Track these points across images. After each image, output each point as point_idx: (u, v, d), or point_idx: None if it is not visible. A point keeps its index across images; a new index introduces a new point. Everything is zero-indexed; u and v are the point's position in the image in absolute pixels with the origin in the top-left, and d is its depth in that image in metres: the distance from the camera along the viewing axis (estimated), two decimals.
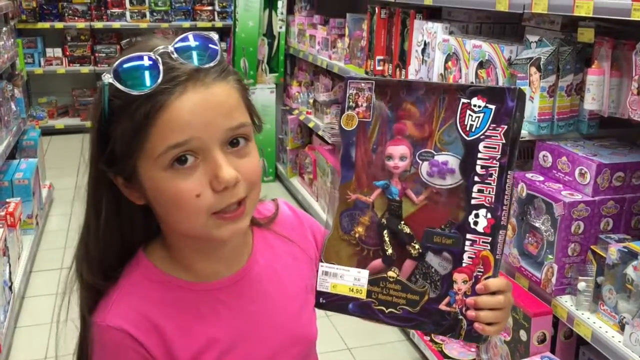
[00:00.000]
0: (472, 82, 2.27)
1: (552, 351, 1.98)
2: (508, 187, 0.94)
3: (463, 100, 0.94)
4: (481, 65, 2.21)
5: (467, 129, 0.94)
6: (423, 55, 2.71)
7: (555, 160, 1.95)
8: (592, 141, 2.02)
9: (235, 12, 4.86)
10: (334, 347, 2.87)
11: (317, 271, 1.02)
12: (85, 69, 6.66)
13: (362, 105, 1.00)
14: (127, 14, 6.73)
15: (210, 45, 0.88)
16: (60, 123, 6.62)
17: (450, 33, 2.52)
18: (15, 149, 4.27)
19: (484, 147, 0.93)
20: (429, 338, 2.63)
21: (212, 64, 0.86)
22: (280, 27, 4.86)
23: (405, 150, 0.98)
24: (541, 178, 1.98)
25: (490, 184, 0.93)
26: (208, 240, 0.91)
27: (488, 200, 0.93)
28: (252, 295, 0.99)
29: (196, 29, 0.93)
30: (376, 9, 3.21)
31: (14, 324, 3.01)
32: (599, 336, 1.73)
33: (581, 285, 1.81)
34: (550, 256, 1.87)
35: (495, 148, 0.93)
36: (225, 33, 5.85)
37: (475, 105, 0.94)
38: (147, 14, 6.77)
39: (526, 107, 1.99)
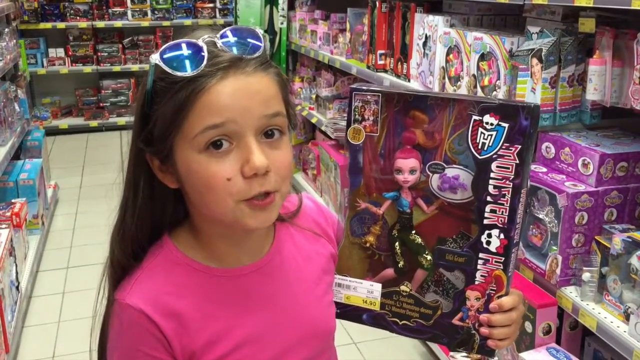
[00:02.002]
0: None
1: (558, 342, 1.98)
2: (521, 205, 0.91)
3: (475, 117, 0.91)
4: (482, 57, 2.21)
5: (479, 147, 0.91)
6: (424, 49, 2.71)
7: (558, 151, 1.95)
8: (595, 131, 2.01)
9: (236, 9, 4.87)
10: (340, 341, 2.85)
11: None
12: (88, 69, 6.68)
13: (368, 119, 0.98)
14: (129, 12, 6.73)
15: (254, 39, 0.91)
16: (64, 123, 6.64)
17: (451, 26, 2.52)
18: (20, 149, 4.28)
19: (497, 167, 0.91)
20: None
21: (254, 55, 0.89)
22: (282, 23, 4.85)
23: (414, 164, 0.96)
24: (544, 169, 1.97)
25: (503, 204, 0.91)
26: (234, 228, 0.93)
27: (501, 221, 0.91)
28: (273, 284, 1.00)
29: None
30: (377, 3, 3.20)
31: (21, 323, 3.03)
32: (604, 326, 1.73)
33: (586, 275, 1.81)
34: (554, 247, 1.87)
35: (508, 168, 0.90)
36: None
37: (487, 123, 0.90)
38: (149, 12, 6.78)
39: (528, 99, 1.99)
